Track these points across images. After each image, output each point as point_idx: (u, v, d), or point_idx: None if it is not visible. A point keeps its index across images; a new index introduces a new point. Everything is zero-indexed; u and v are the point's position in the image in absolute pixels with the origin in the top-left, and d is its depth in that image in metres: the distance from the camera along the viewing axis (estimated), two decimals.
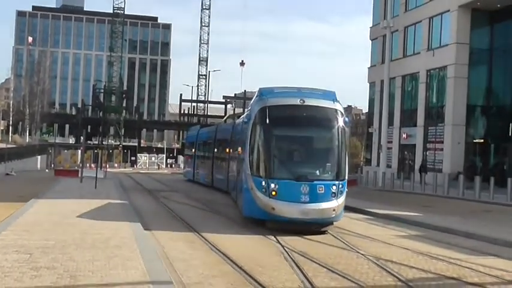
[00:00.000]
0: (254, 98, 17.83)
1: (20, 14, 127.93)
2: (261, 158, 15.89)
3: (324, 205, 15.20)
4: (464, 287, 9.87)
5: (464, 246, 14.07)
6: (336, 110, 16.26)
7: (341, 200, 15.56)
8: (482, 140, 40.23)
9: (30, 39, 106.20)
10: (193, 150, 41.09)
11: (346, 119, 16.38)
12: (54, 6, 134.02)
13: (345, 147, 16.07)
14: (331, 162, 16.04)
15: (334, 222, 16.00)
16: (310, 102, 16.22)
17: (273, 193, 15.05)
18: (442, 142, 40.57)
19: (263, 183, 15.23)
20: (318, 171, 15.90)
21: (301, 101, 16.08)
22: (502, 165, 36.80)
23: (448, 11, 41.00)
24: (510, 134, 37.07)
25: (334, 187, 15.36)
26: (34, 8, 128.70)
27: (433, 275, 10.61)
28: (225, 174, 27.12)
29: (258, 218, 15.81)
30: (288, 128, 16.55)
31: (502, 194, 26.68)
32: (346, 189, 15.86)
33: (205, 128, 42.61)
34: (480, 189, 27.93)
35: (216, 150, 32.81)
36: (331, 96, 16.90)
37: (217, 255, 11.95)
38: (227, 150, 27.40)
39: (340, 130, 16.00)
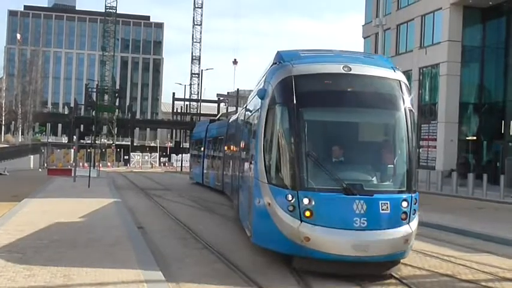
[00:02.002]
0: (269, 67, 11.78)
1: (12, 13, 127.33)
2: (283, 158, 10.27)
3: (392, 233, 9.77)
4: (458, 284, 9.89)
5: (458, 243, 14.10)
6: (399, 82, 10.77)
7: (415, 224, 10.21)
8: (475, 138, 40.35)
9: (18, 36, 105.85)
10: (201, 148, 35.90)
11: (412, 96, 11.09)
12: (46, 5, 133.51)
13: (415, 140, 10.74)
14: (397, 163, 10.56)
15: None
16: (360, 69, 10.68)
17: (307, 213, 9.63)
18: (435, 140, 40.64)
19: (289, 197, 9.76)
20: (378, 178, 10.39)
21: (346, 68, 10.49)
22: (494, 163, 36.96)
23: (440, 8, 41.07)
24: (502, 131, 37.21)
25: (404, 203, 9.99)
26: (26, 7, 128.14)
27: (427, 272, 10.63)
28: (233, 177, 20.73)
29: (278, 251, 10.46)
30: (328, 111, 10.78)
31: (494, 191, 26.76)
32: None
33: (216, 122, 36.74)
34: (473, 187, 28.02)
35: (226, 148, 25.96)
36: (386, 62, 11.64)
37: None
38: (230, 147, 22.36)
39: (407, 114, 10.58)
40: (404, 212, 9.97)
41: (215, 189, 28.83)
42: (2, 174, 41.99)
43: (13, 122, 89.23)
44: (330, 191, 9.80)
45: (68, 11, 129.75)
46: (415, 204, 10.16)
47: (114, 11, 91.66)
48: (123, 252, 10.66)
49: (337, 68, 10.55)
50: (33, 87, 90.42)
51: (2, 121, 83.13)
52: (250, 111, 14.06)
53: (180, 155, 78.37)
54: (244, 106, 17.54)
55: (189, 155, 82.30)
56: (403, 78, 10.94)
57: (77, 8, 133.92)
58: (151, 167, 78.55)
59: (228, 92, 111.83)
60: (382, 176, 10.50)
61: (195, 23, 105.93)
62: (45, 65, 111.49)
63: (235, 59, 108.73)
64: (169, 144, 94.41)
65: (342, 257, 9.54)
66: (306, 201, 9.71)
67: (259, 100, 11.27)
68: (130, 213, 18.23)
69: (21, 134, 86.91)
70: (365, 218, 9.57)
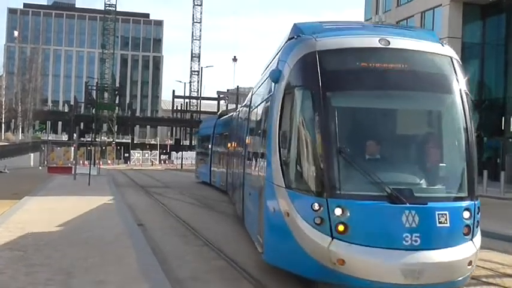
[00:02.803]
0: (283, 43, 9.62)
1: (11, 11, 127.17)
2: (306, 156, 8.12)
3: (453, 254, 7.63)
4: None
5: None
6: (451, 59, 8.58)
7: (479, 240, 8.11)
8: (475, 134, 40.33)
9: (16, 33, 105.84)
10: (209, 145, 33.83)
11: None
12: (45, 3, 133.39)
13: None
14: (453, 161, 8.49)
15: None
16: (402, 43, 8.48)
17: (340, 228, 7.50)
18: None
19: (316, 206, 7.65)
20: (430, 181, 8.21)
21: (384, 42, 8.30)
22: (495, 159, 36.96)
23: (440, 5, 41.03)
24: (503, 128, 37.20)
25: (466, 213, 7.89)
26: (25, 5, 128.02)
27: None
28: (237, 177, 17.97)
29: (299, 274, 8.34)
30: (364, 95, 8.46)
31: (495, 188, 26.77)
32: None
33: (225, 117, 31.18)
34: None
35: (229, 145, 23.09)
36: (431, 35, 9.34)
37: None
38: (233, 144, 20.15)
39: (463, 98, 8.53)
40: (467, 225, 7.79)
41: (220, 189, 28.77)
42: (2, 172, 42.01)
43: (13, 120, 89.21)
44: (370, 199, 7.58)
45: (67, 9, 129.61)
46: (478, 214, 8.00)
47: (114, 8, 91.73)
48: (123, 250, 10.66)
49: (373, 42, 8.33)
50: (33, 85, 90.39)
51: (2, 119, 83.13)
52: (259, 100, 11.65)
53: (180, 152, 78.47)
54: (251, 94, 14.93)
55: (190, 152, 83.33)
56: (454, 54, 8.71)
57: (76, 6, 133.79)
58: (152, 164, 78.67)
59: (228, 90, 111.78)
60: (435, 178, 8.34)
61: (195, 20, 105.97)
62: (45, 63, 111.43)
63: (234, 56, 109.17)
64: (170, 142, 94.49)
65: (387, 285, 7.36)
66: (338, 211, 7.52)
67: (272, 85, 9.15)
68: (131, 210, 18.24)
69: (21, 132, 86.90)
70: (417, 234, 7.36)
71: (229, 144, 22.93)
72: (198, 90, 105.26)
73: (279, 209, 8.27)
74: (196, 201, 23.14)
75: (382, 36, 8.41)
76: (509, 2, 37.27)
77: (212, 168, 31.77)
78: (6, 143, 65.94)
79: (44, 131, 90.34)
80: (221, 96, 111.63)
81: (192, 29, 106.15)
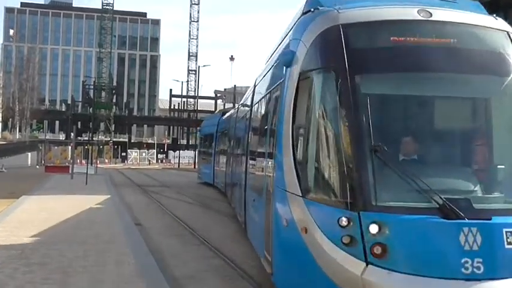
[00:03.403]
0: (297, 18, 7.88)
1: (8, 10, 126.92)
2: (327, 157, 6.43)
3: None
4: None
5: None
6: (507, 34, 6.84)
7: None
8: None
9: (11, 31, 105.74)
10: (212, 144, 32.23)
11: None
12: (42, 2, 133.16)
13: None
14: None
15: None
16: (446, 15, 6.76)
17: (377, 250, 5.71)
18: None
19: (344, 221, 5.87)
20: (491, 189, 6.47)
21: (424, 14, 6.62)
22: None
23: None
24: None
25: None
26: (22, 4, 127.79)
27: None
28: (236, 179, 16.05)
29: None
30: (402, 79, 6.67)
31: None
32: None
33: (227, 114, 27.92)
34: None
35: (229, 143, 21.13)
36: (478, 8, 7.60)
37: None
38: (233, 142, 18.93)
39: None
40: None
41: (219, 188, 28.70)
42: None
43: (10, 119, 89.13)
44: (416, 212, 5.72)
45: (64, 8, 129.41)
46: None
47: (111, 7, 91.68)
48: (121, 249, 10.68)
49: (410, 13, 6.55)
50: (31, 84, 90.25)
51: None
52: (265, 91, 9.98)
53: (178, 151, 78.45)
54: (254, 85, 13.23)
55: (187, 151, 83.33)
56: (510, 28, 6.90)
57: (73, 5, 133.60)
58: (149, 163, 78.63)
59: (225, 89, 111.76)
60: (494, 183, 6.42)
61: (192, 19, 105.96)
62: (42, 62, 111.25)
63: (232, 56, 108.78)
64: (167, 141, 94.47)
65: None
66: (374, 228, 5.66)
67: (282, 70, 7.47)
68: (128, 209, 18.26)
69: (19, 131, 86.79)
70: (480, 259, 5.48)
71: (230, 143, 20.51)
72: (195, 89, 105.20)
73: (294, 223, 6.42)
74: (193, 200, 23.15)
75: (421, 6, 6.65)
76: None
77: (215, 168, 29.72)
78: (4, 142, 65.89)
79: (41, 130, 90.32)
80: (218, 95, 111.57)
81: (189, 28, 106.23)
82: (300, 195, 6.39)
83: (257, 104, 11.38)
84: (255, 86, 12.83)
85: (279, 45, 9.35)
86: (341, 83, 6.18)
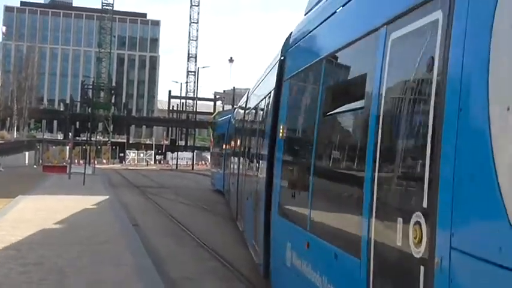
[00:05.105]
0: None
1: (8, 9, 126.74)
2: None
3: None
4: None
5: None
6: None
7: None
8: None
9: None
10: (223, 145, 27.78)
11: None
12: (42, 1, 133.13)
13: None
14: None
15: None
16: None
17: None
18: None
19: None
20: None
21: None
22: None
23: None
24: None
25: None
26: (22, 3, 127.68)
27: None
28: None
29: None
30: None
31: None
32: None
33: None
34: None
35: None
36: None
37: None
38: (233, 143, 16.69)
39: None
40: None
41: (215, 190, 28.47)
42: None
43: (8, 118, 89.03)
44: None
45: (64, 8, 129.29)
46: None
47: (111, 8, 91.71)
48: (118, 249, 10.67)
49: None
50: (29, 84, 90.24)
51: None
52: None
53: (176, 153, 78.45)
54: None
55: (186, 153, 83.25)
56: None
57: (73, 5, 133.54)
58: (147, 164, 78.62)
59: (224, 90, 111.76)
60: None
61: (192, 20, 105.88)
62: (41, 61, 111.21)
63: (231, 57, 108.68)
64: (165, 142, 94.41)
65: None
66: None
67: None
68: (125, 210, 18.24)
69: (17, 131, 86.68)
70: None
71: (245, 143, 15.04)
72: (194, 90, 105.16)
73: None
74: (191, 202, 23.13)
75: None
76: None
77: (226, 175, 24.01)
78: (1, 142, 65.77)
79: (39, 129, 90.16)
80: (218, 97, 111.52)
81: (189, 29, 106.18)
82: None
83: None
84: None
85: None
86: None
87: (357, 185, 4.06)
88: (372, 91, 3.94)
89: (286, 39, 7.84)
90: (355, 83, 4.56)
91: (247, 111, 14.04)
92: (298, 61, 6.91)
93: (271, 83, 8.68)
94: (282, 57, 7.90)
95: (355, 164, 4.35)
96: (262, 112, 10.00)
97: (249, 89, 14.52)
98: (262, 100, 10.03)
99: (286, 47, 7.69)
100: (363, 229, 3.76)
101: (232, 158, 18.51)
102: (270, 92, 8.57)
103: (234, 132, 17.02)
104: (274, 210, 7.21)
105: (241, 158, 14.01)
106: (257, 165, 9.78)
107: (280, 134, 7.19)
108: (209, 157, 75.79)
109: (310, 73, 6.16)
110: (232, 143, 19.70)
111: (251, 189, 10.22)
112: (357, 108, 4.37)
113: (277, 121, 7.47)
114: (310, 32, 6.38)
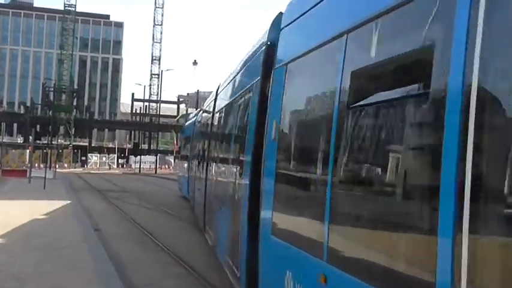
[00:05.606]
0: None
1: None
2: None
3: None
4: None
5: None
6: None
7: None
8: None
9: None
10: (189, 148, 24.67)
11: None
12: (2, 1, 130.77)
13: None
14: None
15: None
16: None
17: None
18: None
19: None
20: None
21: None
22: None
23: None
24: None
25: None
26: None
27: None
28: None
29: None
30: None
31: None
32: None
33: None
34: None
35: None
36: None
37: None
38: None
39: None
40: None
41: (178, 193, 28.41)
42: None
43: None
44: None
45: (25, 8, 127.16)
46: None
47: (73, 9, 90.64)
48: (79, 255, 10.50)
49: None
50: None
51: None
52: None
53: (139, 156, 77.89)
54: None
55: (149, 156, 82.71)
56: None
57: (34, 5, 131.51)
58: (109, 168, 77.83)
59: (188, 93, 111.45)
60: None
61: (156, 23, 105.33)
62: (1, 62, 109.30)
63: (195, 60, 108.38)
64: (128, 146, 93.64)
65: None
66: None
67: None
68: (87, 215, 18.00)
69: None
70: None
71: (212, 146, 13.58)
72: (158, 93, 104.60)
73: None
74: (154, 206, 22.94)
75: None
76: None
77: (191, 177, 21.24)
78: None
79: None
80: (181, 100, 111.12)
81: (153, 31, 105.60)
82: None
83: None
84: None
85: None
86: None
87: (408, 198, 3.00)
88: (437, 72, 2.70)
89: (275, 20, 6.60)
90: (402, 60, 3.23)
91: (217, 111, 12.44)
92: (300, 42, 5.55)
93: (251, 74, 7.45)
94: (269, 42, 6.56)
95: (397, 168, 3.20)
96: (238, 110, 8.61)
97: (219, 85, 12.84)
98: (238, 96, 8.68)
99: (276, 29, 6.35)
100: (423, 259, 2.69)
101: (199, 161, 16.74)
102: (251, 85, 7.24)
103: (202, 134, 16.00)
104: (264, 228, 5.74)
105: (211, 162, 12.14)
106: (234, 170, 8.16)
107: (273, 134, 5.69)
108: (173, 161, 75.55)
109: (323, 54, 4.65)
110: (200, 145, 17.48)
111: (225, 198, 8.78)
112: (407, 96, 3.08)
113: (265, 118, 6.09)
114: (319, 2, 4.94)
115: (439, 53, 2.70)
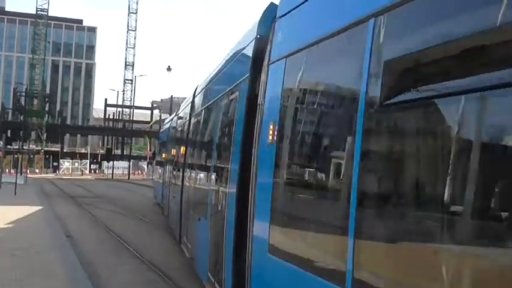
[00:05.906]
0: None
1: None
2: None
3: None
4: None
5: None
6: None
7: None
8: None
9: None
10: (163, 151, 24.34)
11: None
12: None
13: None
14: None
15: None
16: None
17: None
18: None
19: None
20: None
21: None
22: None
23: None
24: None
25: None
26: None
27: None
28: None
29: None
30: None
31: None
32: None
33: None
34: None
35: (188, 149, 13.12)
36: None
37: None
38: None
39: None
40: None
41: (150, 199, 28.33)
42: None
43: None
44: None
45: None
46: None
47: (46, 13, 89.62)
48: (51, 261, 10.40)
49: None
50: None
51: None
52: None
53: (112, 162, 77.34)
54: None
55: (122, 162, 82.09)
56: None
57: (6, 9, 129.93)
58: (82, 174, 77.13)
59: (161, 99, 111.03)
60: None
61: (130, 28, 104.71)
62: None
63: (169, 66, 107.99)
64: (101, 151, 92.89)
65: None
66: None
67: None
68: (59, 221, 17.82)
69: None
70: None
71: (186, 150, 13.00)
72: (131, 99, 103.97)
73: None
74: (127, 212, 22.80)
75: None
76: None
77: (165, 184, 20.54)
78: None
79: None
80: (155, 105, 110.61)
81: (127, 36, 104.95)
82: None
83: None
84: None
85: None
86: None
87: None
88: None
89: (266, 12, 5.85)
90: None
91: (195, 114, 11.60)
92: (304, 31, 4.69)
93: (237, 72, 6.74)
94: (259, 36, 5.80)
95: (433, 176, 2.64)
96: (220, 112, 7.85)
97: (196, 87, 12.04)
98: (220, 97, 7.96)
99: (268, 21, 5.63)
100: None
101: (174, 168, 15.90)
102: (237, 84, 6.57)
103: (178, 138, 15.29)
104: (259, 245, 4.97)
105: (189, 168, 11.37)
106: (216, 177, 7.48)
107: (270, 138, 4.90)
108: (146, 167, 75.09)
109: (339, 41, 3.74)
110: (176, 150, 16.52)
111: (205, 208, 7.96)
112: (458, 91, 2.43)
113: (254, 120, 5.35)
114: None
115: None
